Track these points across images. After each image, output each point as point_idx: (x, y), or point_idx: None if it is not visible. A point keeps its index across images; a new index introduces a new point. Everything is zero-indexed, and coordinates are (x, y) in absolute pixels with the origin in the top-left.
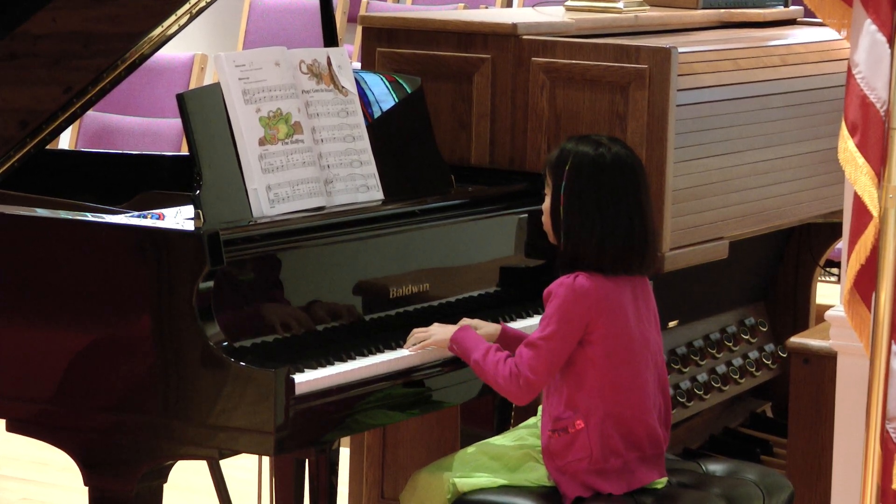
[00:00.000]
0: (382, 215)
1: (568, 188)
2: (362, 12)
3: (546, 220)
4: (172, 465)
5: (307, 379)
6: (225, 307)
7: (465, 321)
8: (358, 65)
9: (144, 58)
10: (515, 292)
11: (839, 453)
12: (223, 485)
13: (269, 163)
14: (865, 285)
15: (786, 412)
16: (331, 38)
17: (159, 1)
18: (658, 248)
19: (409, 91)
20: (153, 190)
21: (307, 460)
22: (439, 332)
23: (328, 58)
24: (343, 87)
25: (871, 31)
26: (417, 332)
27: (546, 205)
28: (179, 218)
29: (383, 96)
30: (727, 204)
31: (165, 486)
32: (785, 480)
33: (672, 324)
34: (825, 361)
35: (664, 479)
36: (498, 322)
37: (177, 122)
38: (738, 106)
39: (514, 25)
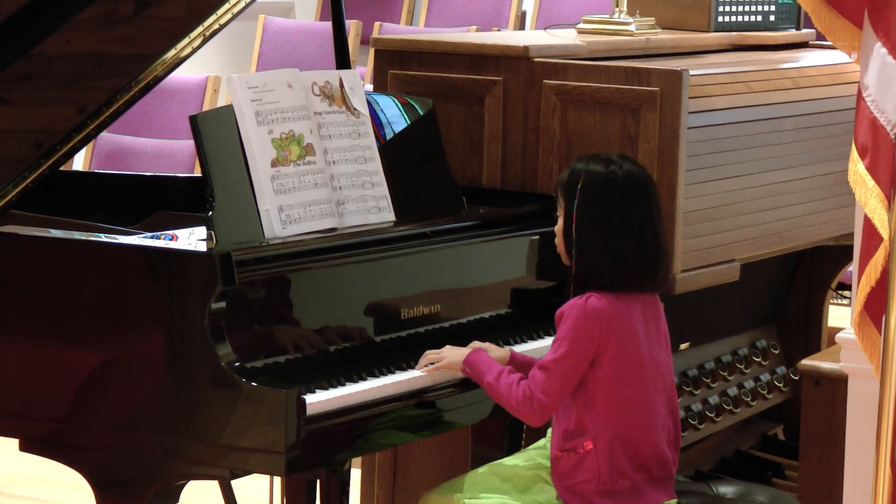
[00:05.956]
0: (394, 237)
1: (580, 207)
2: (375, 35)
3: (559, 241)
4: (184, 484)
5: (318, 399)
6: (237, 328)
7: (476, 344)
8: (370, 87)
9: (158, 79)
10: (526, 314)
11: (850, 476)
12: None
13: (280, 184)
14: (876, 308)
15: (797, 435)
16: (343, 61)
17: (173, 23)
18: (670, 265)
19: (420, 113)
20: (166, 211)
21: (318, 481)
22: (452, 355)
23: (340, 80)
24: (355, 108)
25: (881, 55)
26: (430, 354)
27: (559, 226)
28: (192, 239)
29: (395, 118)
30: (739, 226)
31: None
32: (796, 503)
33: (683, 346)
34: (836, 384)
35: (673, 501)
36: (508, 344)
37: (190, 144)
38: (750, 128)
39: (526, 48)
